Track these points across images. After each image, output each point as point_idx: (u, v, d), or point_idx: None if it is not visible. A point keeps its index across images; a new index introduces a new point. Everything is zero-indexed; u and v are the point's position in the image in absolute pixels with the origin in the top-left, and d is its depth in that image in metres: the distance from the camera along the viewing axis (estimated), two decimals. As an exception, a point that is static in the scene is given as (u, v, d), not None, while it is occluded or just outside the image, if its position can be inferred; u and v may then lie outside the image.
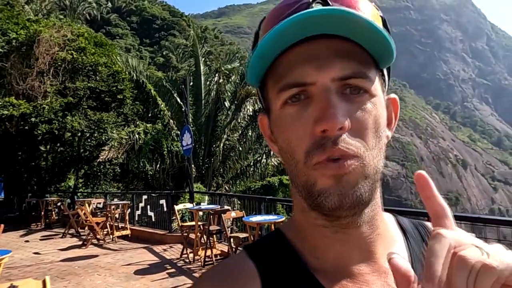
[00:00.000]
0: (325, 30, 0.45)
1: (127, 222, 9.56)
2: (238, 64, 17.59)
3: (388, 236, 0.55)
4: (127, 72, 14.52)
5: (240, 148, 15.20)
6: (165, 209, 9.33)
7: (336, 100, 0.45)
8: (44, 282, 2.55)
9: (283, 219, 5.67)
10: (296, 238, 0.55)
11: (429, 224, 0.61)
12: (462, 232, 0.35)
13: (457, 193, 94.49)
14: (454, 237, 0.33)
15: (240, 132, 15.60)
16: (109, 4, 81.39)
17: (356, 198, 0.46)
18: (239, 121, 15.39)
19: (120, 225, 9.59)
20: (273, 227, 5.20)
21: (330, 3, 0.46)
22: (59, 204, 12.84)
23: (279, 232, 0.58)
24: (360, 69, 0.47)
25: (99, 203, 11.56)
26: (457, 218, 0.43)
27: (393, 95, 0.56)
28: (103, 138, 13.09)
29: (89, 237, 8.91)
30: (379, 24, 0.47)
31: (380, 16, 0.51)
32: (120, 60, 14.86)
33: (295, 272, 0.51)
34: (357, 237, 0.51)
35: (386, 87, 0.53)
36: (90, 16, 68.91)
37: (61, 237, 9.93)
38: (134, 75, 14.73)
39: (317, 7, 0.46)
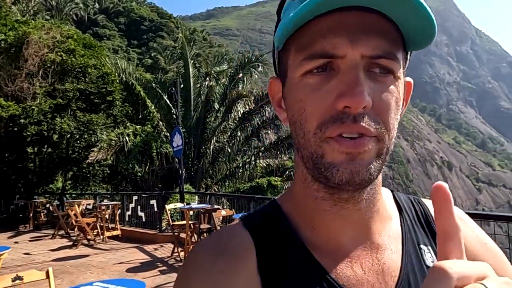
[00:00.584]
0: (364, 2, 0.43)
1: (118, 223, 9.66)
2: (227, 67, 17.77)
3: (384, 212, 0.55)
4: (116, 74, 14.59)
5: (229, 150, 15.36)
6: (155, 209, 9.46)
7: (363, 78, 0.44)
8: (47, 273, 2.72)
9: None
10: (292, 210, 0.55)
11: (425, 201, 0.62)
12: (466, 262, 0.30)
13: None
14: (459, 273, 0.28)
15: (229, 134, 15.76)
16: (97, 5, 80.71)
17: (367, 176, 0.46)
18: (229, 123, 15.55)
19: (110, 226, 9.68)
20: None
21: None
22: (47, 205, 12.84)
23: (275, 203, 0.58)
24: (391, 50, 0.45)
25: (89, 204, 11.61)
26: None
27: (408, 79, 0.55)
28: (93, 140, 13.14)
29: (79, 238, 8.98)
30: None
31: None
32: (109, 62, 14.93)
33: (289, 244, 0.52)
34: (354, 212, 0.51)
35: (405, 70, 0.52)
36: (77, 17, 68.22)
37: (51, 238, 9.96)
38: (124, 77, 14.81)
39: None
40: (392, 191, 0.62)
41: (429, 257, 0.54)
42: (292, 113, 0.51)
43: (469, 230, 0.59)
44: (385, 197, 0.57)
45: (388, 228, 0.55)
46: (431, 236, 0.57)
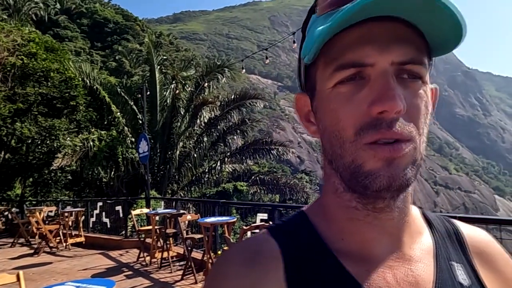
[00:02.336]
0: (390, 12, 0.44)
1: (81, 229, 9.55)
2: (193, 71, 17.73)
3: (415, 225, 0.55)
4: (80, 79, 14.35)
5: (195, 155, 15.37)
6: (121, 215, 9.45)
7: (395, 83, 0.45)
8: (18, 276, 2.83)
9: (235, 219, 6.13)
10: (321, 220, 0.55)
11: (456, 222, 0.62)
12: None
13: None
14: None
15: (195, 139, 15.77)
16: (58, 5, 77.89)
17: (404, 181, 0.46)
18: (195, 128, 15.58)
19: (74, 233, 9.57)
20: (226, 227, 5.63)
21: None
22: (6, 213, 12.42)
23: (303, 213, 0.58)
24: (418, 56, 0.47)
25: (51, 211, 11.36)
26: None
27: (435, 85, 0.55)
28: (55, 145, 12.87)
29: (41, 246, 8.81)
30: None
31: None
32: (73, 66, 14.65)
33: (318, 253, 0.51)
34: (387, 221, 0.51)
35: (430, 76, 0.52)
36: (37, 17, 65.60)
37: (10, 247, 9.69)
38: (88, 81, 14.56)
39: None
40: (420, 208, 0.61)
41: (460, 274, 0.53)
42: (325, 125, 0.51)
43: (505, 251, 0.61)
44: (414, 212, 0.57)
45: (420, 242, 0.55)
46: (462, 253, 0.57)
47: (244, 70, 10.54)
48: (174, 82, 15.45)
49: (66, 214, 9.37)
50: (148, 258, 7.08)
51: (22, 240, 9.90)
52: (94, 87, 14.64)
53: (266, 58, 8.73)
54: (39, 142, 13.09)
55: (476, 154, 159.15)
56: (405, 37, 0.46)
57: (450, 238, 0.58)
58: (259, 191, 16.69)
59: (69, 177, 14.81)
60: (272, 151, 15.38)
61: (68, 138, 12.93)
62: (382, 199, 0.48)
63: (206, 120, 15.35)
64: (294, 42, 8.69)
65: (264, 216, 5.81)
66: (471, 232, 0.61)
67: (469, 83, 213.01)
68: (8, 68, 12.24)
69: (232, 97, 15.81)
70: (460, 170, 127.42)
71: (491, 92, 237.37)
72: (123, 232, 9.35)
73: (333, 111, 0.48)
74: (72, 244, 9.10)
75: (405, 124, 0.45)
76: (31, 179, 14.86)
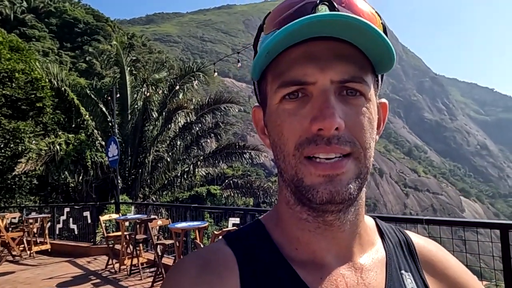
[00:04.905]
0: (330, 33, 0.46)
1: (47, 236, 9.19)
2: (166, 74, 17.42)
3: (367, 236, 0.57)
4: (47, 80, 13.85)
5: (168, 159, 15.15)
6: (89, 221, 9.16)
7: (334, 101, 0.47)
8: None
9: (207, 224, 6.05)
10: (277, 229, 0.56)
11: (409, 233, 0.65)
12: None
13: (375, 199, 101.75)
14: None
15: (168, 143, 15.54)
16: (25, 4, 75.34)
17: (347, 196, 0.47)
18: (169, 133, 15.30)
19: (39, 240, 9.18)
20: (197, 232, 5.54)
21: (337, 6, 0.47)
22: (-35, 220, 11.78)
23: (259, 222, 0.59)
24: (359, 74, 0.48)
25: (14, 218, 10.86)
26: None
27: (383, 100, 0.58)
28: (20, 149, 12.35)
29: (2, 254, 8.41)
30: (381, 31, 0.46)
31: (382, 23, 0.51)
32: (39, 67, 14.12)
33: (273, 262, 0.52)
34: (338, 233, 0.52)
35: (378, 92, 0.55)
36: (2, 15, 63.21)
37: (-31, 256, 9.20)
38: (56, 82, 14.06)
39: (323, 9, 0.46)
40: (374, 218, 0.63)
41: (409, 283, 0.55)
42: (273, 138, 0.53)
43: (452, 259, 0.63)
44: (368, 223, 0.59)
45: (372, 252, 0.57)
46: (412, 263, 0.59)
47: (216, 73, 10.46)
48: (145, 84, 15.15)
49: (30, 220, 8.99)
50: (117, 265, 6.87)
51: (-18, 248, 9.39)
52: (62, 88, 14.16)
53: (238, 61, 8.70)
54: (2, 146, 12.51)
55: (443, 157, 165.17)
56: (346, 56, 0.48)
57: (402, 248, 0.61)
58: (232, 194, 16.59)
59: (35, 182, 14.24)
60: (245, 155, 15.35)
61: (34, 142, 12.43)
62: (330, 212, 0.50)
63: (181, 125, 15.12)
64: (238, 61, 8.76)
65: (236, 220, 5.76)
66: (421, 242, 0.63)
67: (436, 88, 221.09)
68: (-31, 68, 11.69)
69: (207, 100, 15.67)
70: (428, 172, 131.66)
71: (457, 97, 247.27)
72: (92, 238, 9.05)
73: (279, 126, 0.50)
74: (37, 252, 8.73)
75: (347, 139, 0.47)
76: (-7, 184, 14.18)
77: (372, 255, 0.56)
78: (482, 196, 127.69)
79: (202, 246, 4.83)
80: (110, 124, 13.38)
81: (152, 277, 5.93)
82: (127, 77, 15.17)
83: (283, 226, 0.56)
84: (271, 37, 0.46)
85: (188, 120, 15.01)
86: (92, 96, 14.79)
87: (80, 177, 12.92)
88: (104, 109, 14.65)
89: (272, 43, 0.46)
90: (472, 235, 3.73)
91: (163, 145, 15.45)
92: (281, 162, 0.51)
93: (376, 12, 0.51)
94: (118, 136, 12.00)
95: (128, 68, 15.47)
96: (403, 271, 0.56)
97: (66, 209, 10.05)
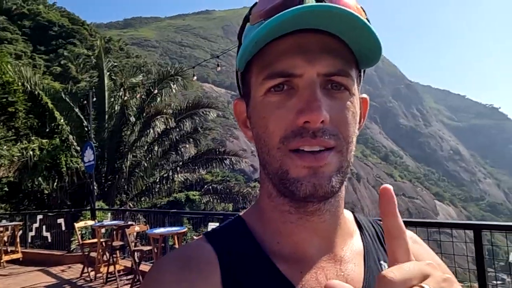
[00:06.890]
0: (318, 25, 0.46)
1: (19, 245, 8.88)
2: (144, 78, 17.20)
3: (347, 228, 0.58)
4: (20, 83, 13.44)
5: (146, 164, 14.91)
6: (63, 228, 8.89)
7: (320, 94, 0.47)
8: None
9: (186, 229, 5.98)
10: (258, 224, 0.57)
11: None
12: (409, 264, 0.32)
13: (352, 204, 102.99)
14: (401, 278, 0.30)
15: (146, 148, 15.31)
16: (-4, 5, 73.10)
17: (330, 189, 0.48)
18: (147, 138, 15.07)
19: (9, 249, 8.86)
20: (176, 238, 5.47)
21: None
22: None
23: (239, 218, 0.59)
24: (345, 68, 0.48)
25: (-17, 226, 10.44)
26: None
27: (365, 95, 0.58)
28: (-10, 155, 11.90)
29: (-29, 264, 8.08)
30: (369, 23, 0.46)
31: (367, 18, 0.49)
32: (11, 70, 13.70)
33: (253, 257, 0.52)
34: (319, 224, 0.53)
35: (360, 87, 0.54)
36: (-28, 17, 61.07)
37: None
38: (28, 86, 13.65)
39: (309, 1, 0.46)
40: (353, 211, 0.64)
41: None
42: (256, 131, 0.53)
43: (425, 252, 0.63)
44: (347, 215, 0.60)
45: (351, 243, 0.58)
46: None
47: (195, 78, 10.42)
48: (122, 89, 14.90)
49: (0, 229, 8.66)
50: (92, 273, 6.70)
51: None
52: (36, 92, 13.76)
53: (218, 65, 8.71)
54: (-29, 151, 12.04)
55: (418, 162, 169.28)
56: (333, 49, 0.48)
57: (379, 239, 0.62)
58: (212, 200, 16.48)
59: (6, 189, 13.72)
60: (225, 161, 15.29)
61: (5, 147, 12.01)
62: (312, 202, 0.50)
63: (160, 131, 14.90)
64: (218, 65, 8.84)
65: (216, 225, 5.71)
66: None
67: (411, 95, 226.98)
68: None
69: (185, 105, 15.56)
70: (404, 177, 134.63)
71: (431, 104, 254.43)
72: (67, 246, 8.79)
73: (264, 118, 0.50)
74: (8, 261, 8.42)
75: (331, 133, 0.47)
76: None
77: (352, 247, 0.57)
78: (455, 200, 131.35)
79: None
80: (86, 129, 13.08)
81: (130, 285, 5.81)
82: (106, 81, 14.91)
83: (265, 220, 0.56)
84: (261, 26, 0.45)
85: (168, 126, 14.84)
86: (67, 100, 14.42)
87: (55, 184, 12.56)
88: (80, 113, 14.31)
89: (263, 33, 0.45)
90: (446, 238, 3.83)
91: (141, 151, 15.20)
92: (265, 155, 0.51)
93: (361, 7, 0.51)
94: (94, 141, 11.74)
95: (108, 73, 15.21)
96: (382, 262, 0.57)
97: (39, 217, 9.74)
